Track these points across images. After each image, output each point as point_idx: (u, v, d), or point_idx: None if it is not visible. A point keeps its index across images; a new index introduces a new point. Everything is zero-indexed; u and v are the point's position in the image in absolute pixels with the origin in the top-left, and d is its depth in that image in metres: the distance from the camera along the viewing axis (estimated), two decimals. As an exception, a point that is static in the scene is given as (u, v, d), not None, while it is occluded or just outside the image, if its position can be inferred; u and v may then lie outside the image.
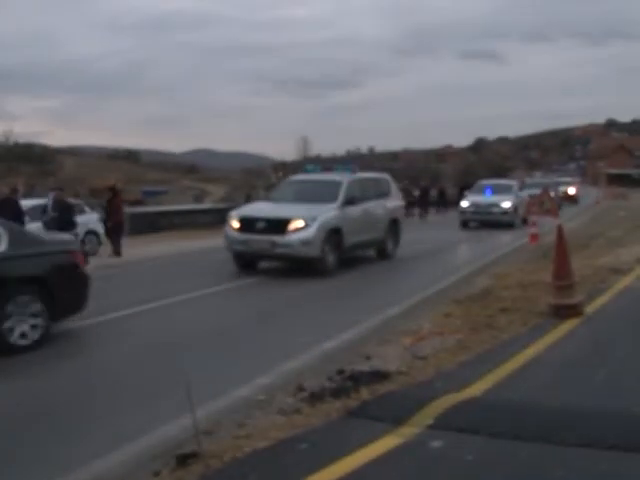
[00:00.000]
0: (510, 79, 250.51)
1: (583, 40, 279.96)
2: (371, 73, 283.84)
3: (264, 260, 12.11)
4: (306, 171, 14.75)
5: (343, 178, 12.89)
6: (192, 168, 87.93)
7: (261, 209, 12.58)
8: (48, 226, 12.64)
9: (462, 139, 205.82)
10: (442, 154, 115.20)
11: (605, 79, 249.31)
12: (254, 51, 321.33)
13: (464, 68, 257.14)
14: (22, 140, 62.80)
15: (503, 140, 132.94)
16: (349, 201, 12.26)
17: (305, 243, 11.12)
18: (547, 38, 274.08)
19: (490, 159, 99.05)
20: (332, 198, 12.08)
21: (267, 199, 13.84)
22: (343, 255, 11.98)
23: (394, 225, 13.97)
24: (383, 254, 13.69)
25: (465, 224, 22.53)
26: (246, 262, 12.04)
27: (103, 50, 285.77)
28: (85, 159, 76.37)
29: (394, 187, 14.74)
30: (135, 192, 57.40)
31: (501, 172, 68.12)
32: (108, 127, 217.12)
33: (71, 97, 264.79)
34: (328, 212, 11.75)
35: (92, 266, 13.10)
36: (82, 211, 16.71)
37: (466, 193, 25.24)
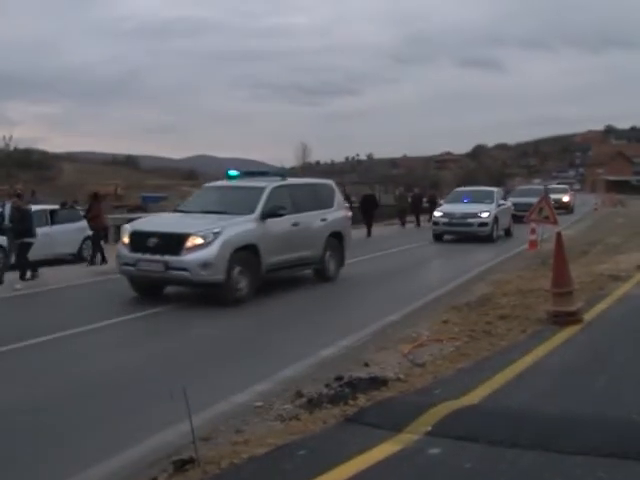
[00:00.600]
0: (509, 86, 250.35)
1: (582, 48, 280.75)
2: (370, 80, 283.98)
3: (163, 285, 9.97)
4: (228, 177, 12.07)
5: (267, 185, 10.72)
6: (192, 174, 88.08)
7: (159, 222, 10.63)
8: (7, 236, 11.98)
9: (461, 146, 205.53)
10: (441, 161, 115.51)
11: (604, 86, 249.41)
12: (254, 58, 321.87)
13: (463, 75, 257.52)
14: (21, 146, 62.89)
15: (502, 147, 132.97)
16: (271, 212, 10.17)
17: (204, 265, 9.00)
18: (546, 46, 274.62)
19: (489, 166, 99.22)
20: (250, 209, 10.04)
21: (175, 210, 11.61)
22: (262, 279, 9.84)
23: (336, 241, 11.72)
24: (322, 275, 11.43)
25: (438, 237, 19.94)
26: (144, 287, 9.89)
27: (103, 56, 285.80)
28: (84, 165, 76.62)
29: (338, 196, 12.51)
30: (135, 198, 57.51)
31: (501, 179, 68.17)
32: (107, 133, 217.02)
33: (70, 103, 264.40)
34: (239, 225, 9.70)
35: (77, 274, 12.96)
36: (80, 218, 16.72)
37: (441, 202, 23.38)
